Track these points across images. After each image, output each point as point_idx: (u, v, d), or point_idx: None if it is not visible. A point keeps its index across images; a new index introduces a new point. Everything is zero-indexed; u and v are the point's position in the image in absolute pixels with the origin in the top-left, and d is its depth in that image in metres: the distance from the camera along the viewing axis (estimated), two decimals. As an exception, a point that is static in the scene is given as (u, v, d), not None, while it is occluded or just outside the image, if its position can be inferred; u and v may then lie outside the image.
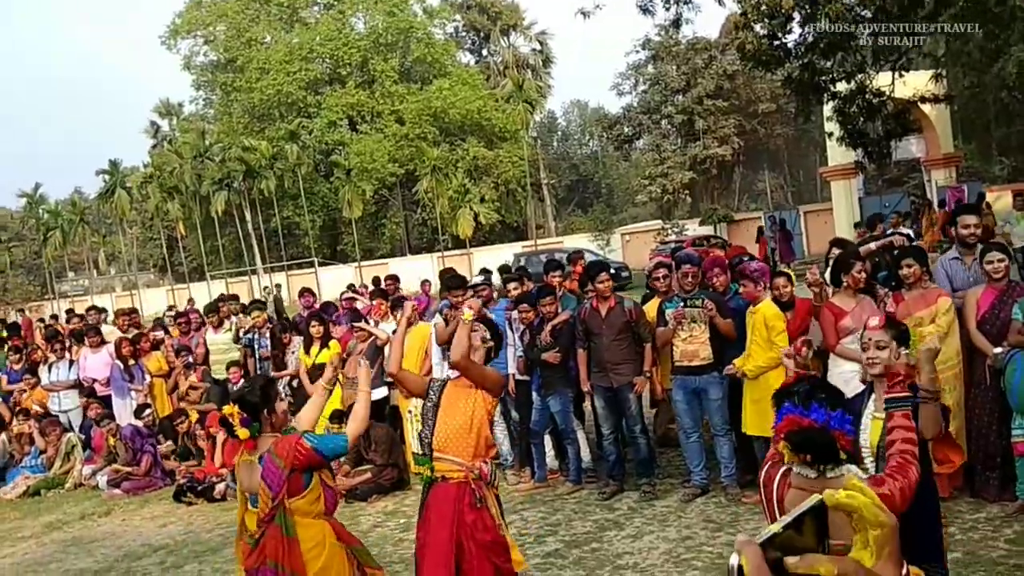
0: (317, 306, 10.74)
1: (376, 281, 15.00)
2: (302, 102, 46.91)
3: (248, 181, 44.44)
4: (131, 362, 9.88)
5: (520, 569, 4.28)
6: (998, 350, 5.40)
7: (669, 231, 33.45)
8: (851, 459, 2.36)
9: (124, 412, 9.84)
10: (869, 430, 3.48)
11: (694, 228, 33.43)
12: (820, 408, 2.31)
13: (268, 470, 3.55)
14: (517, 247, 36.68)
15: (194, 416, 9.21)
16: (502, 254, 32.68)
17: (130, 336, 10.32)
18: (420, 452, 8.04)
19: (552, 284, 7.98)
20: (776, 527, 1.08)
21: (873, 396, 3.53)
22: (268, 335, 9.22)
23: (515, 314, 7.88)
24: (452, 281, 7.98)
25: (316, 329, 8.55)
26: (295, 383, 8.83)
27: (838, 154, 22.51)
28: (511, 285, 8.50)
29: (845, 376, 5.77)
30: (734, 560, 1.06)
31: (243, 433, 3.64)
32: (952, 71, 17.74)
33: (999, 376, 5.40)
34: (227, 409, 3.68)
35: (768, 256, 22.78)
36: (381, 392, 8.49)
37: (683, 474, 6.82)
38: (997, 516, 5.23)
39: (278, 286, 26.64)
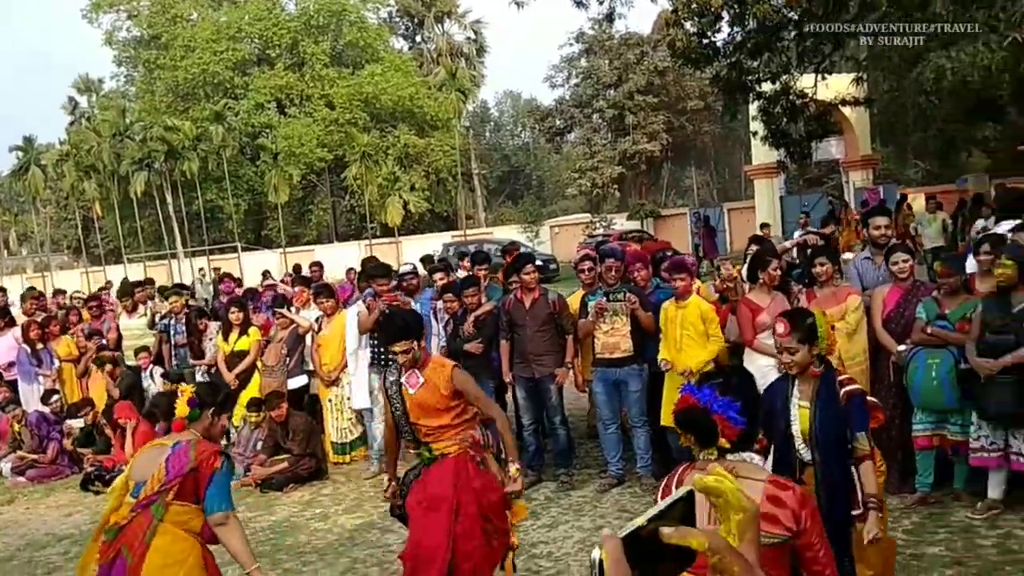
0: (239, 292, 10.52)
1: (297, 268, 14.75)
2: (229, 83, 45.75)
3: (170, 162, 43.17)
4: (39, 346, 9.52)
5: (519, 519, 4.46)
6: (901, 348, 5.61)
7: (597, 225, 33.77)
8: (741, 448, 2.37)
9: (31, 398, 9.47)
10: (798, 420, 3.61)
11: (622, 222, 33.83)
12: (710, 391, 2.35)
13: (177, 456, 3.48)
14: (447, 237, 36.54)
15: (101, 405, 8.91)
16: (431, 243, 32.54)
17: (39, 319, 9.93)
18: (340, 442, 8.01)
19: (477, 276, 8.00)
20: (640, 520, 1.10)
21: (797, 384, 3.64)
22: (184, 321, 8.98)
23: (440, 304, 7.87)
24: (375, 270, 7.91)
25: (235, 315, 8.37)
26: (213, 370, 8.63)
27: (762, 153, 23.02)
28: (437, 275, 8.49)
29: (762, 370, 5.91)
30: (595, 554, 1.06)
31: (183, 410, 3.63)
32: (872, 75, 18.26)
33: (902, 373, 5.62)
34: (184, 387, 3.70)
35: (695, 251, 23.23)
36: (301, 380, 8.39)
37: (601, 465, 6.90)
38: (897, 508, 5.43)
39: (216, 269, 26.00)
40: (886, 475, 5.70)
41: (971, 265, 6.16)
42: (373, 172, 41.38)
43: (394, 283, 7.83)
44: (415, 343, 4.26)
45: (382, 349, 7.55)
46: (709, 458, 2.36)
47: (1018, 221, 7.72)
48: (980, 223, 12.81)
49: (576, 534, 5.62)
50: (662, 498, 2.35)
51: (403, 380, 4.33)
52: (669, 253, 7.75)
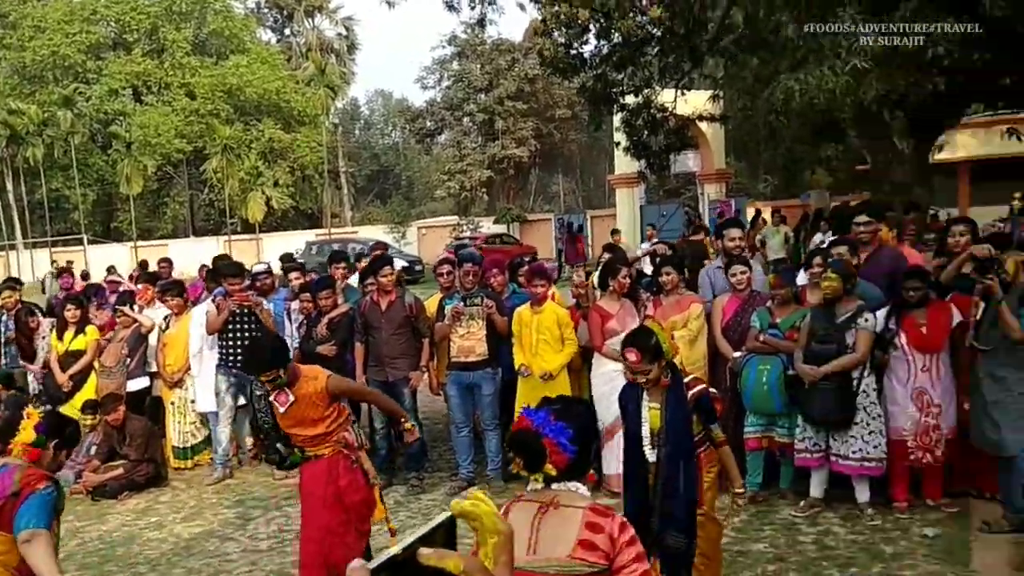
0: (77, 288, 9.91)
1: (144, 264, 13.97)
2: (81, 66, 43.08)
3: (12, 147, 40.28)
4: None
5: (378, 518, 4.59)
6: (736, 355, 5.92)
7: (464, 227, 33.89)
8: (569, 477, 2.32)
9: None
10: (648, 421, 3.82)
11: (489, 226, 34.08)
12: (545, 415, 2.30)
13: (2, 479, 3.19)
14: (311, 235, 35.74)
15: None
16: (294, 241, 31.77)
17: None
18: (183, 446, 7.68)
19: (333, 276, 7.86)
20: (396, 548, 1.12)
21: (647, 388, 3.84)
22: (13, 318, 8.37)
23: (294, 305, 7.70)
24: (227, 268, 7.64)
25: (72, 313, 7.87)
26: (46, 371, 8.08)
27: (624, 163, 23.73)
28: (292, 275, 8.29)
29: (610, 375, 6.11)
30: None
31: (29, 435, 3.29)
32: (728, 93, 19.10)
33: (737, 378, 5.92)
34: (32, 411, 3.39)
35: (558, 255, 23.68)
36: (142, 382, 8.00)
37: (453, 468, 6.92)
38: (727, 506, 5.70)
39: (69, 262, 24.42)
40: (719, 475, 6.03)
41: (802, 278, 6.57)
42: (235, 166, 39.97)
43: (247, 282, 7.61)
44: (279, 371, 4.23)
45: (230, 350, 7.32)
46: (536, 486, 2.32)
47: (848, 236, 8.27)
48: (818, 237, 13.66)
49: (423, 538, 5.61)
50: None
51: (271, 399, 4.36)
52: (527, 259, 7.90)
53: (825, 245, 7.53)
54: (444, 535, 1.17)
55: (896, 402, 5.42)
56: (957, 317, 5.37)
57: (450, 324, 6.56)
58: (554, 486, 2.31)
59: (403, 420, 4.71)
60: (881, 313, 5.55)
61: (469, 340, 6.58)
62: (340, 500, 4.36)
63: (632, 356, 3.72)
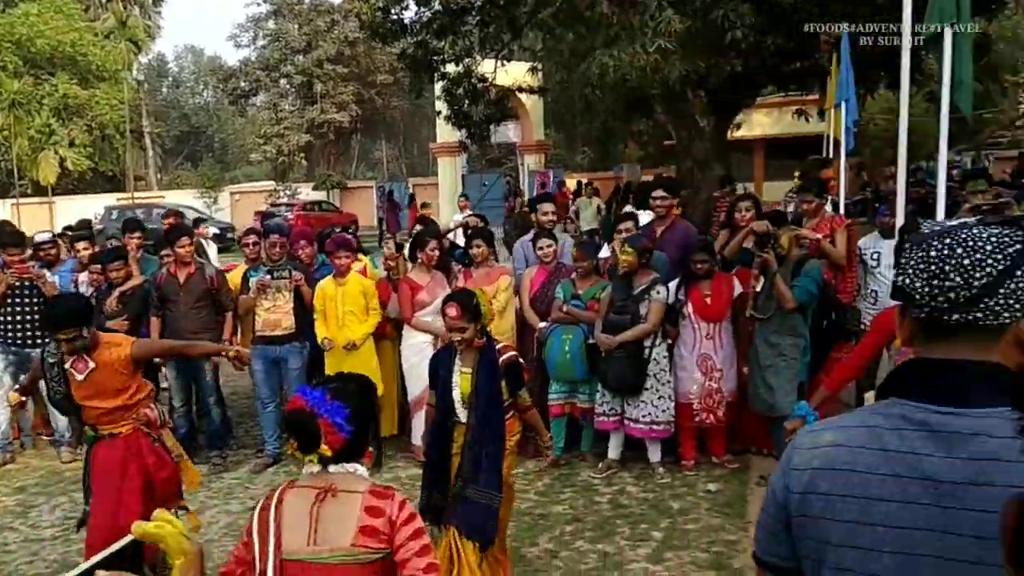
0: None
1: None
2: None
3: None
4: None
5: (192, 489, 4.54)
6: (542, 325, 6.11)
7: (281, 193, 32.78)
8: (346, 458, 2.27)
9: None
10: (459, 385, 3.93)
11: (308, 192, 33.14)
12: (321, 394, 2.24)
13: None
14: (111, 199, 33.32)
15: None
16: (92, 205, 29.53)
17: None
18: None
19: (127, 246, 7.38)
20: (85, 565, 1.08)
21: (460, 352, 3.96)
22: None
23: (83, 277, 7.19)
24: (7, 238, 7.02)
25: None
26: None
27: (446, 132, 23.72)
28: (80, 244, 7.71)
29: (420, 346, 6.17)
30: None
31: None
32: (547, 65, 19.46)
33: (542, 347, 6.11)
34: None
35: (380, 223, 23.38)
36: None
37: (259, 445, 6.74)
38: (532, 471, 5.93)
39: None
40: (524, 442, 6.22)
41: (606, 250, 6.84)
42: (24, 123, 36.50)
43: (28, 252, 7.01)
44: (82, 330, 3.95)
45: (9, 326, 6.75)
46: (312, 468, 2.26)
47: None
48: (628, 208, 14.27)
49: (223, 518, 5.44)
50: (260, 513, 2.27)
51: (68, 366, 4.04)
52: (338, 229, 7.76)
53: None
54: (132, 552, 1.14)
55: (684, 368, 5.79)
56: (738, 288, 5.79)
57: (255, 297, 6.36)
58: (331, 468, 2.24)
59: (224, 352, 4.58)
60: (673, 284, 5.89)
61: (275, 313, 6.42)
62: (148, 480, 4.14)
63: (452, 311, 3.83)
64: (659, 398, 5.67)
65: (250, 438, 7.15)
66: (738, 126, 19.63)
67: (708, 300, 5.72)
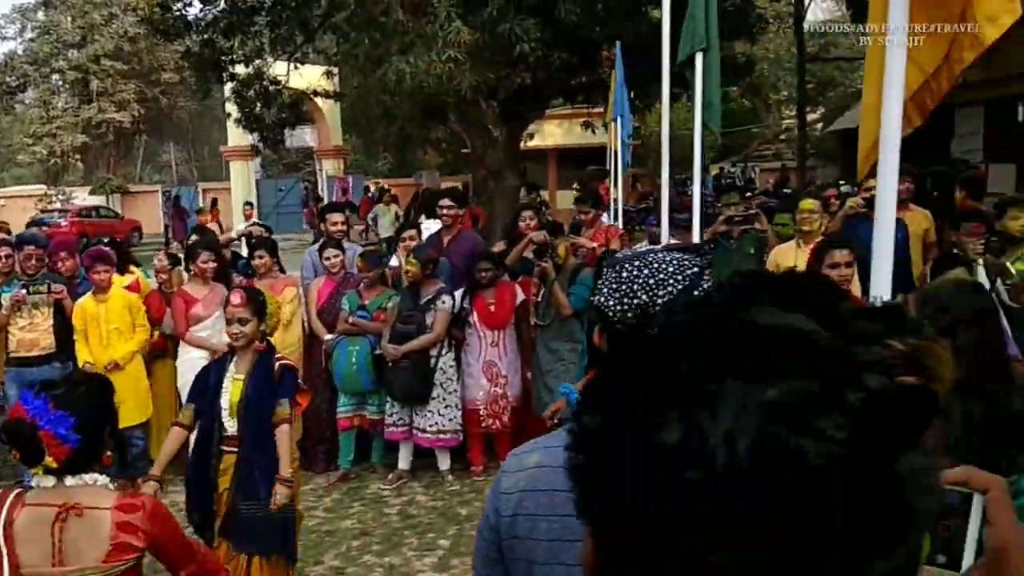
0: None
1: None
2: None
3: None
4: None
5: None
6: (328, 337, 6.00)
7: (54, 198, 30.17)
8: (78, 469, 2.17)
9: None
10: (229, 392, 3.73)
11: (84, 197, 30.71)
12: (44, 403, 2.11)
13: None
14: None
15: None
16: None
17: None
18: None
19: None
20: None
21: (235, 359, 3.77)
22: None
23: None
24: None
25: None
26: None
27: (237, 135, 22.80)
28: None
29: (195, 362, 5.83)
30: None
31: None
32: (344, 70, 19.19)
33: (330, 359, 6.00)
34: None
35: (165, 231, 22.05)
36: None
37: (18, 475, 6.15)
38: (321, 487, 5.81)
39: None
40: (315, 456, 6.11)
41: (395, 259, 6.82)
42: None
43: None
44: None
45: None
46: (45, 482, 2.14)
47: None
48: (422, 218, 14.34)
49: None
50: None
51: None
52: (107, 240, 7.25)
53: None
54: None
55: (470, 375, 5.89)
56: (521, 296, 5.97)
57: (8, 314, 5.81)
58: (68, 481, 2.14)
59: None
60: (459, 293, 5.98)
61: (32, 332, 5.91)
62: None
63: (236, 299, 3.70)
64: (446, 407, 5.73)
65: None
66: (531, 136, 20.23)
67: (492, 308, 5.86)
